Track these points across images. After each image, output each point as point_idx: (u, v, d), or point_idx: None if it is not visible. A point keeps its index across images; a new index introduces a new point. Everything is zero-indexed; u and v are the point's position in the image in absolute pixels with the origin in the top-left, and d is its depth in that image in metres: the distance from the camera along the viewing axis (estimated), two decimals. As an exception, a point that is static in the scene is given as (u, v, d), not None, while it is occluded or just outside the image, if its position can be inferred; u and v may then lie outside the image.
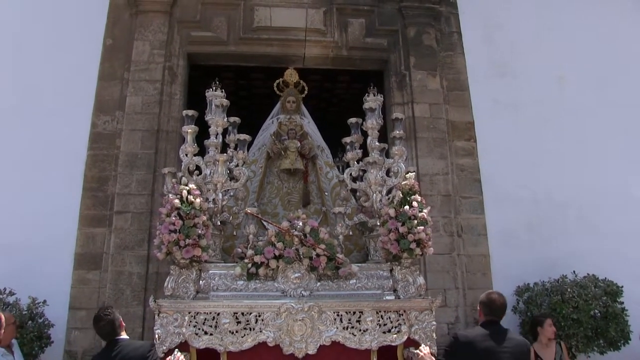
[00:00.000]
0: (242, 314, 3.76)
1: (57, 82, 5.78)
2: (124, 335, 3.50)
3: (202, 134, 4.57)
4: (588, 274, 5.41)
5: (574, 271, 5.46)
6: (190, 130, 4.36)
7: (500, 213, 5.89)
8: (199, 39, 6.23)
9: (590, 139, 6.29)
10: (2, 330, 2.76)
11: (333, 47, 6.39)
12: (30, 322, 4.61)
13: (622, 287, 5.26)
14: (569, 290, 5.14)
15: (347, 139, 4.77)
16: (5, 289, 4.72)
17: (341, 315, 3.82)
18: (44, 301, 4.82)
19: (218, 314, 3.75)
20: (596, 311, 5.06)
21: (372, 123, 4.55)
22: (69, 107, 5.73)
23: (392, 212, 4.06)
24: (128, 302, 5.09)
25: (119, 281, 5.18)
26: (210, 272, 4.04)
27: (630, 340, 5.11)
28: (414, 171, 4.52)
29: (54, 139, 5.58)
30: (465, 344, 3.27)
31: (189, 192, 3.89)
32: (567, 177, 6.12)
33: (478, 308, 3.40)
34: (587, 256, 5.60)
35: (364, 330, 3.78)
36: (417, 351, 3.63)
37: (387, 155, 4.69)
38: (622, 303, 5.20)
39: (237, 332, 3.71)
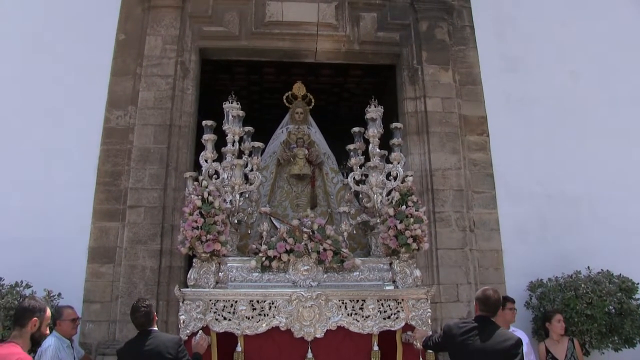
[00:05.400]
0: (257, 301, 4.16)
1: (70, 78, 5.83)
2: (155, 327, 3.70)
3: (217, 134, 4.83)
4: (602, 269, 5.36)
5: (588, 267, 5.41)
6: (209, 138, 4.74)
7: (513, 208, 5.85)
8: (211, 33, 6.24)
9: (603, 134, 6.21)
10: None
11: (345, 42, 6.37)
12: (45, 314, 4.66)
13: (638, 284, 5.20)
14: (582, 286, 5.10)
15: (351, 146, 5.16)
16: (22, 281, 4.79)
17: (346, 303, 4.22)
18: (59, 294, 4.88)
19: (236, 302, 4.14)
20: (611, 307, 5.01)
21: (373, 132, 4.93)
22: (82, 102, 5.78)
23: (391, 211, 4.47)
24: (141, 295, 5.10)
25: (132, 275, 5.23)
26: (229, 265, 4.39)
27: (645, 337, 5.07)
28: (411, 175, 4.87)
29: (67, 134, 5.64)
30: (446, 335, 3.53)
31: (209, 194, 4.28)
32: (580, 172, 6.06)
33: (475, 303, 3.59)
34: (602, 252, 5.54)
35: (367, 317, 4.19)
36: (413, 333, 4.09)
37: (387, 160, 5.03)
38: (638, 299, 5.15)
39: (252, 317, 4.11)
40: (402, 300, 4.26)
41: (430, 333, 4.03)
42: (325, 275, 4.39)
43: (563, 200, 5.97)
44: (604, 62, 6.51)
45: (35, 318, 2.92)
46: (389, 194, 4.79)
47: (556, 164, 6.07)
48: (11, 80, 5.77)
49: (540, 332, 5.16)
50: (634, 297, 5.14)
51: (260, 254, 4.36)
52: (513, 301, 4.90)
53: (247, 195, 4.89)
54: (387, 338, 4.23)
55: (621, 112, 6.31)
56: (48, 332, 3.17)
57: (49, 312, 3.07)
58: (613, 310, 5.03)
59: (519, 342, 3.31)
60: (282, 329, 4.09)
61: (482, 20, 6.56)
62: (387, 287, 4.39)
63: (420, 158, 5.95)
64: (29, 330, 2.91)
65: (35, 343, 3.00)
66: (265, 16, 6.27)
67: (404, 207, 4.45)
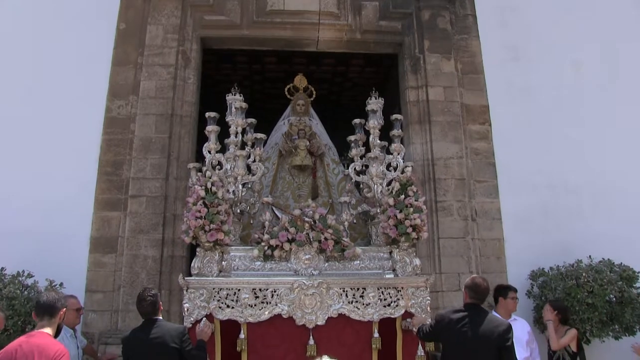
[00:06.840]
0: (260, 289, 4.25)
1: (71, 67, 5.82)
2: (160, 317, 3.76)
3: (219, 125, 4.87)
4: (604, 258, 5.36)
5: (590, 256, 5.41)
6: (213, 130, 4.81)
7: (515, 197, 5.85)
8: (212, 22, 6.20)
9: (605, 123, 6.18)
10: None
11: (347, 31, 6.32)
12: (48, 303, 4.69)
13: (639, 272, 5.20)
14: (584, 274, 5.11)
15: (352, 137, 5.22)
16: (24, 271, 4.81)
17: (346, 291, 4.32)
18: (61, 283, 4.90)
19: (239, 290, 4.24)
20: (611, 296, 5.03)
21: (374, 123, 5.00)
22: (83, 92, 5.76)
23: (391, 201, 4.55)
24: (143, 284, 5.09)
25: (134, 264, 5.25)
26: (231, 254, 4.47)
27: (646, 325, 5.08)
28: (411, 165, 4.95)
29: (68, 124, 5.63)
30: (438, 323, 3.64)
31: (212, 184, 4.35)
32: (582, 161, 6.04)
33: (463, 291, 3.69)
34: (603, 241, 5.53)
35: (367, 304, 4.30)
36: (412, 320, 4.19)
37: (388, 151, 5.09)
38: (638, 288, 5.16)
39: (255, 305, 4.21)
40: (402, 288, 4.35)
41: (429, 321, 4.09)
42: (326, 264, 4.47)
43: (565, 190, 5.96)
44: (607, 51, 6.46)
45: (64, 309, 3.12)
46: (389, 184, 4.85)
47: (558, 153, 6.06)
48: (12, 71, 5.75)
49: (541, 320, 5.17)
50: (634, 285, 5.15)
51: (263, 243, 4.44)
52: (515, 290, 4.89)
53: (249, 186, 4.97)
54: (387, 325, 4.32)
55: (623, 101, 6.28)
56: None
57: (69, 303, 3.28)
58: (614, 299, 5.04)
59: (509, 328, 3.43)
60: (284, 316, 4.19)
61: (484, 9, 6.52)
62: (387, 276, 4.48)
63: (422, 147, 5.93)
64: (57, 320, 3.06)
65: (57, 331, 3.16)
66: (266, 5, 6.22)
67: (403, 197, 4.53)
